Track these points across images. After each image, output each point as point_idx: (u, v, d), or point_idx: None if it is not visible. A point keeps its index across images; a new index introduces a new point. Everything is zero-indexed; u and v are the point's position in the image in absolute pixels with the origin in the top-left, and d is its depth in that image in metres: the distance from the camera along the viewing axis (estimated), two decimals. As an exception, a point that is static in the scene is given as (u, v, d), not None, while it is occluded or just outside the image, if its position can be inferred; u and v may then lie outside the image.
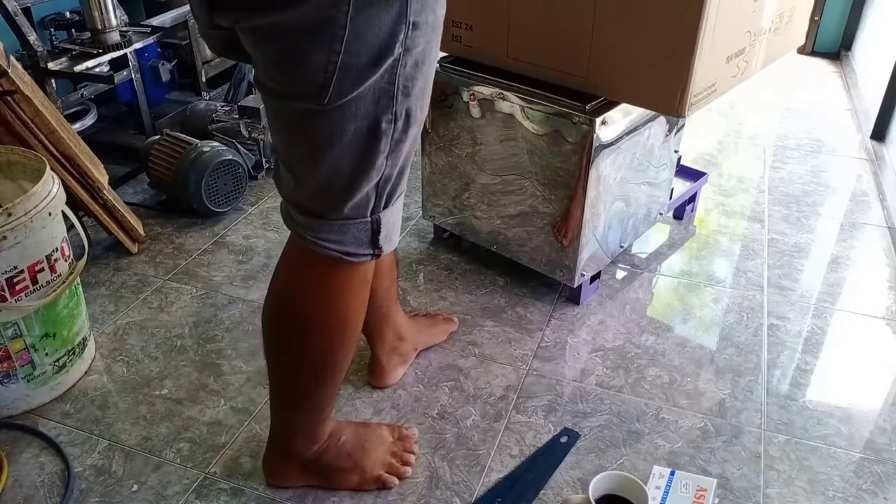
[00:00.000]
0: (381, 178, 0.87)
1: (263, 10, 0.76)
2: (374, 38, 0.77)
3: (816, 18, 3.06)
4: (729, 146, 2.36)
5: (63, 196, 1.30)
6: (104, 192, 1.67)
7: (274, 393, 1.10)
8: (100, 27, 1.92)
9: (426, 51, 0.83)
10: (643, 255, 1.79)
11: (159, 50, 2.30)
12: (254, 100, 2.10)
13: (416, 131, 0.88)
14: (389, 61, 0.79)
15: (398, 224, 0.95)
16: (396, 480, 1.17)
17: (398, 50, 0.79)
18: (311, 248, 0.91)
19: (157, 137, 1.96)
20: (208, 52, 2.32)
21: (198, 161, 1.84)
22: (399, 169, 0.89)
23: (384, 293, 1.27)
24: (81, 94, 2.12)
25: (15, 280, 1.20)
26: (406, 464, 1.20)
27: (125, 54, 1.96)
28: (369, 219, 0.90)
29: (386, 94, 0.81)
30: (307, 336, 0.99)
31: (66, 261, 1.31)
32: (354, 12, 0.74)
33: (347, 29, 0.75)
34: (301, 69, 0.78)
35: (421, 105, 0.87)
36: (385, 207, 0.90)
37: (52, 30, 2.20)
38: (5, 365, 1.26)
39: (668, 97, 1.25)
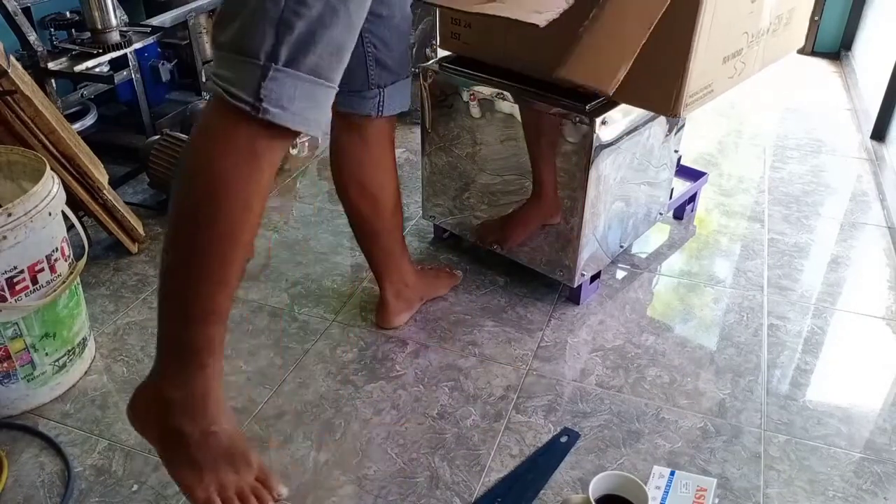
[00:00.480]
0: (280, 17, 0.81)
1: None
2: None
3: (816, 18, 3.06)
4: (729, 146, 2.36)
5: (63, 196, 1.30)
6: (104, 192, 1.67)
7: (159, 297, 0.96)
8: (100, 27, 1.92)
9: None
10: (643, 255, 1.79)
11: (159, 50, 2.30)
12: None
13: None
14: None
15: (307, 105, 0.86)
16: None
17: None
18: (207, 85, 0.89)
19: (157, 137, 1.96)
20: (208, 52, 2.32)
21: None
22: (308, 26, 0.82)
23: (387, 235, 1.43)
24: (81, 94, 2.12)
25: (15, 280, 1.20)
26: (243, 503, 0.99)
27: (125, 54, 1.96)
28: (261, 62, 0.82)
29: None
30: (185, 196, 0.89)
31: (66, 261, 1.31)
32: None
33: None
34: None
35: None
36: (287, 63, 0.82)
37: (52, 30, 2.20)
38: (5, 365, 1.26)
39: (663, 97, 1.25)
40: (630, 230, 1.66)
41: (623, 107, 1.37)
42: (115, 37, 1.94)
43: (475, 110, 1.50)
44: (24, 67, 1.63)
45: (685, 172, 1.89)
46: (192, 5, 2.15)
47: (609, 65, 1.24)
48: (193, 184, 0.88)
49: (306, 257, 1.77)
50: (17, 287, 1.21)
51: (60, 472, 1.21)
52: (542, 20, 1.13)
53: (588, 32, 1.25)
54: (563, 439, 1.26)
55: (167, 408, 0.96)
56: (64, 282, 1.29)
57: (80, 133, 1.77)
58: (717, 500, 1.16)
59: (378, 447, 1.24)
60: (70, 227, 1.34)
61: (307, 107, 0.86)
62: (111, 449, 1.25)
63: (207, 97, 0.87)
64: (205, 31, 2.26)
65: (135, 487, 1.18)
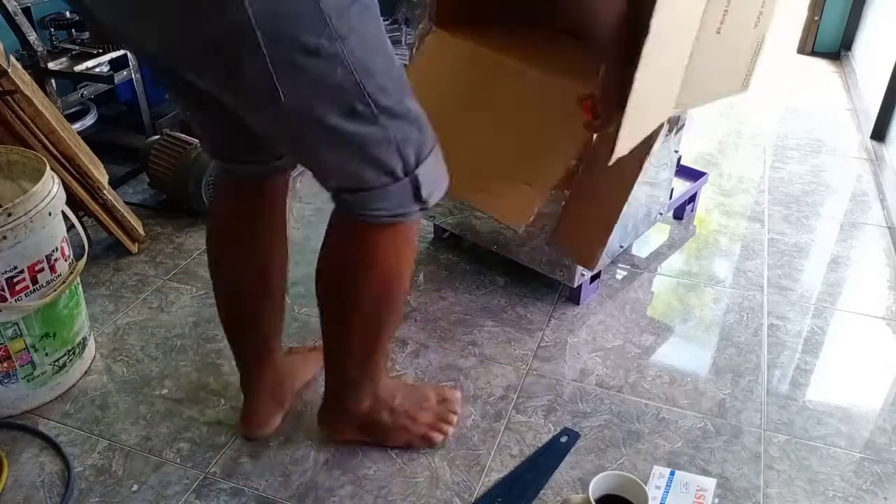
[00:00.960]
0: (395, 141, 0.89)
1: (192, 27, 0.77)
2: (293, 31, 0.77)
3: (817, 18, 3.06)
4: (729, 146, 2.36)
5: (63, 196, 1.30)
6: (104, 191, 1.67)
7: (329, 354, 1.13)
8: (100, 27, 1.91)
9: (369, 28, 0.83)
10: (643, 255, 1.79)
11: (159, 50, 2.30)
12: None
13: (399, 94, 0.88)
14: (327, 48, 0.79)
15: (439, 178, 0.98)
16: (441, 437, 1.23)
17: (331, 34, 0.78)
18: (365, 221, 0.95)
19: (157, 137, 1.96)
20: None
21: (198, 161, 1.84)
22: (408, 128, 0.90)
23: (270, 315, 1.20)
24: (81, 94, 2.12)
25: (15, 280, 1.20)
26: (449, 423, 1.25)
27: (125, 54, 1.96)
28: (406, 179, 0.92)
29: (347, 77, 0.81)
30: (363, 297, 1.03)
31: (66, 261, 1.31)
32: (260, 12, 0.74)
33: (258, 30, 0.75)
34: (242, 78, 0.80)
35: (390, 74, 0.86)
36: (418, 165, 0.92)
37: (52, 29, 2.20)
38: (5, 365, 1.26)
39: (589, 251, 1.32)
40: (630, 230, 1.66)
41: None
42: (114, 37, 1.94)
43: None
44: (24, 67, 1.63)
45: (685, 172, 1.89)
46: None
47: (590, 238, 1.30)
48: (378, 293, 1.03)
49: (306, 257, 1.76)
50: (17, 287, 1.21)
51: (60, 472, 1.20)
52: (520, 228, 1.24)
53: (573, 200, 1.25)
54: (563, 439, 1.26)
55: (356, 408, 1.18)
56: (64, 282, 1.29)
57: (80, 133, 1.77)
58: (716, 500, 1.16)
59: (378, 447, 1.24)
60: (70, 227, 1.34)
61: (442, 170, 0.98)
62: (111, 449, 1.25)
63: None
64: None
65: (135, 487, 1.18)
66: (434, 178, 0.96)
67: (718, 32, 1.04)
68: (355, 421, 1.21)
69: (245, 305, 1.18)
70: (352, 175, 0.91)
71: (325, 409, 1.22)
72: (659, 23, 0.88)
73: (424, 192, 0.95)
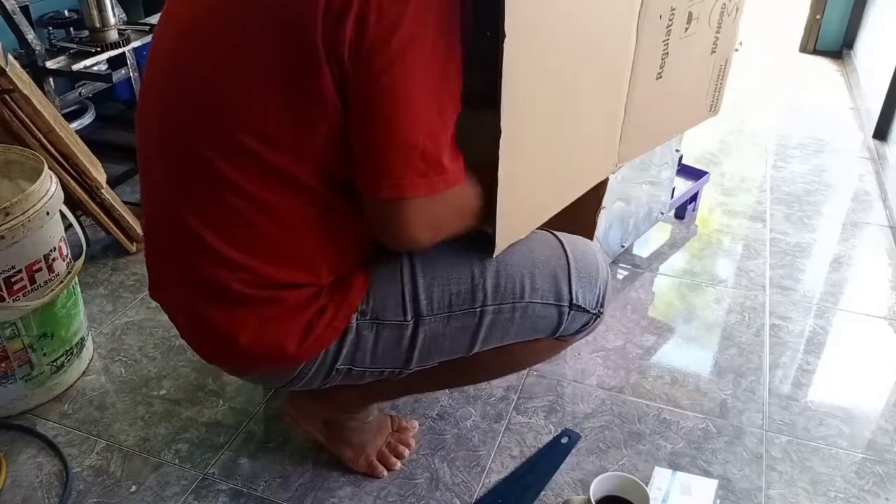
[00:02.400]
0: (533, 304, 0.96)
1: None
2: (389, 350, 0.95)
3: (819, 17, 3.06)
4: (731, 145, 2.36)
5: (61, 195, 1.29)
6: (102, 191, 1.67)
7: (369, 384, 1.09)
8: (98, 25, 1.91)
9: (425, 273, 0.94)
10: (644, 255, 1.78)
11: (158, 48, 2.29)
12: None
13: (493, 273, 0.94)
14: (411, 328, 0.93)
15: (593, 282, 0.99)
16: (385, 472, 1.19)
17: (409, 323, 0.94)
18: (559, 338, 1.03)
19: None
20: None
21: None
22: (531, 283, 0.95)
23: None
24: (79, 93, 2.11)
25: (13, 280, 1.20)
26: (398, 456, 1.21)
27: (123, 53, 1.96)
28: (569, 310, 0.98)
29: (447, 323, 0.94)
30: (490, 377, 1.17)
31: (63, 260, 1.30)
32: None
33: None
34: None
35: (469, 270, 0.94)
36: (570, 292, 0.97)
37: (51, 28, 2.19)
38: (3, 365, 1.25)
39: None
40: (631, 230, 1.65)
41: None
42: (113, 35, 1.93)
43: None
44: (22, 66, 1.62)
45: (687, 172, 1.88)
46: (192, 4, 2.14)
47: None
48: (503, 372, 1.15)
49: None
50: (15, 287, 1.20)
51: (58, 473, 1.20)
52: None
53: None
54: (564, 440, 1.25)
55: (333, 411, 1.17)
56: (62, 282, 1.29)
57: (78, 132, 1.77)
58: (718, 502, 1.15)
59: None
60: (68, 226, 1.33)
61: (596, 269, 1.01)
62: (109, 449, 1.24)
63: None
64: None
65: (133, 488, 1.17)
66: (591, 285, 0.98)
67: (659, 77, 1.02)
68: (325, 419, 1.18)
69: None
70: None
71: (305, 394, 1.15)
72: (517, 121, 0.80)
73: (591, 306, 0.99)
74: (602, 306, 1.01)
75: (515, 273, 0.94)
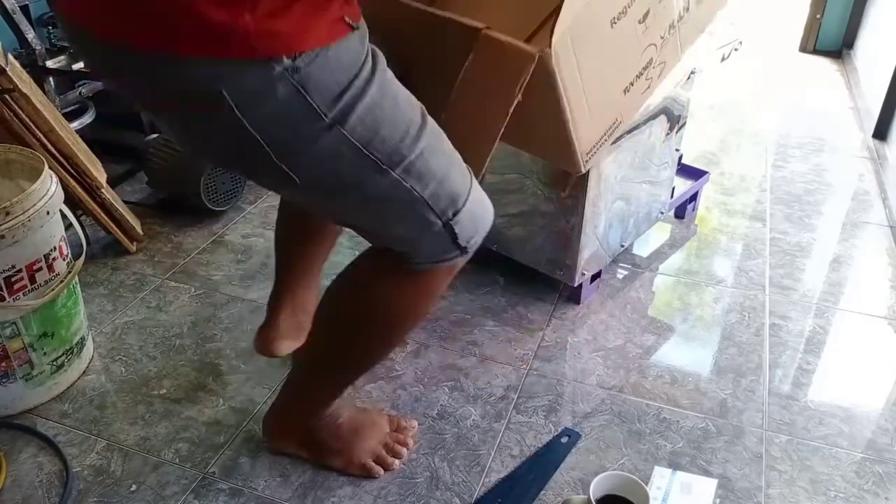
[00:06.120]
0: (422, 200, 0.89)
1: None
2: (289, 131, 0.80)
3: (818, 16, 3.05)
4: (730, 145, 2.36)
5: (61, 195, 1.29)
6: (102, 190, 1.67)
7: (299, 366, 1.15)
8: (98, 25, 1.91)
9: (367, 103, 0.81)
10: (644, 255, 1.78)
11: (158, 48, 2.29)
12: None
13: (415, 152, 0.86)
14: (325, 134, 0.80)
15: (479, 221, 0.95)
16: (381, 471, 1.18)
17: (324, 124, 0.79)
18: (409, 268, 0.95)
19: (155, 136, 1.96)
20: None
21: (196, 160, 1.83)
22: (435, 184, 0.89)
23: (317, 250, 1.30)
24: (80, 93, 2.11)
25: (13, 279, 1.20)
26: (396, 455, 1.20)
27: (124, 52, 1.95)
28: (444, 230, 0.92)
29: (354, 153, 0.82)
30: (365, 334, 1.04)
31: (64, 260, 1.30)
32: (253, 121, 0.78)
33: (258, 135, 0.79)
34: (258, 174, 0.90)
35: (400, 138, 0.85)
36: (455, 214, 0.91)
37: (51, 28, 2.19)
38: (3, 364, 1.25)
39: (565, 158, 1.16)
40: (631, 229, 1.66)
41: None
42: (113, 35, 1.93)
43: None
44: (23, 65, 1.62)
45: (686, 171, 1.88)
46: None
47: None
48: (385, 332, 1.05)
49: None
50: (15, 286, 1.20)
51: (59, 472, 1.20)
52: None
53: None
54: (564, 440, 1.26)
55: (300, 421, 1.17)
56: (62, 281, 1.29)
57: (78, 131, 1.77)
58: (718, 501, 1.15)
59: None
60: (68, 226, 1.34)
61: (482, 211, 0.96)
62: (109, 449, 1.24)
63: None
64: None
65: (133, 487, 1.17)
66: (473, 223, 0.95)
67: None
68: (298, 435, 1.19)
69: (304, 221, 1.26)
70: (387, 236, 0.95)
71: (270, 416, 1.21)
72: None
73: (463, 240, 0.94)
74: (468, 246, 0.95)
75: (432, 166, 0.88)
